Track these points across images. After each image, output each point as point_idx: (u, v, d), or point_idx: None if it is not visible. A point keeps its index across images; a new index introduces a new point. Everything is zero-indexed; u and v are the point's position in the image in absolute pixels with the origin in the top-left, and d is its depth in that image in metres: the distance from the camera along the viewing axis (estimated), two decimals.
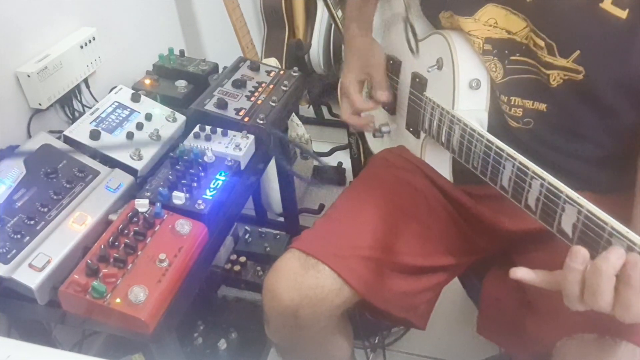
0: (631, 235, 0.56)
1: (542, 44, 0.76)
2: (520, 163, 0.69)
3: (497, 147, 0.73)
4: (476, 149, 0.78)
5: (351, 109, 0.99)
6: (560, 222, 0.64)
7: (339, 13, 1.70)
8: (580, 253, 0.58)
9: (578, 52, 0.74)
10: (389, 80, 1.00)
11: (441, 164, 0.93)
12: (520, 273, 0.63)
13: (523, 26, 0.78)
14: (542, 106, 0.81)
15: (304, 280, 0.85)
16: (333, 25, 2.15)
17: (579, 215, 0.61)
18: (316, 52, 2.20)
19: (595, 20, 0.70)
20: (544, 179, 0.65)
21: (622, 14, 0.68)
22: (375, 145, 1.17)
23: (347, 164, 1.96)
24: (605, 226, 0.58)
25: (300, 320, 0.87)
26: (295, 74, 1.36)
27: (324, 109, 2.24)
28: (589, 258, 0.58)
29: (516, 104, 0.82)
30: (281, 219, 1.73)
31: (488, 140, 0.75)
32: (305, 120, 2.06)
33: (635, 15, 0.68)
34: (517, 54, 0.80)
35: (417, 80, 0.93)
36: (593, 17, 0.70)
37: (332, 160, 2.11)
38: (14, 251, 0.84)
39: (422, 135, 0.95)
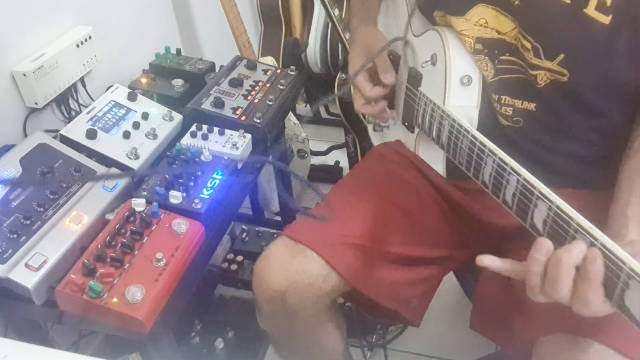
0: (594, 231, 0.57)
1: (528, 45, 0.77)
2: (500, 159, 0.70)
3: (481, 142, 0.74)
4: (462, 144, 0.79)
5: (362, 98, 0.99)
6: (533, 217, 0.65)
7: (336, 12, 1.70)
8: (544, 245, 0.60)
9: (562, 55, 0.75)
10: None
11: (435, 159, 0.94)
12: (487, 261, 0.65)
13: (512, 27, 0.79)
14: (531, 106, 0.82)
15: (291, 265, 0.87)
16: (330, 24, 2.15)
17: (549, 211, 0.62)
18: (313, 50, 2.20)
19: (579, 25, 0.71)
20: (520, 175, 0.67)
21: (605, 19, 0.70)
22: (376, 139, 1.18)
23: (345, 163, 1.97)
24: (571, 222, 0.59)
25: (288, 306, 0.88)
26: (292, 73, 1.36)
27: (321, 108, 2.24)
28: (553, 251, 0.59)
29: (506, 102, 0.83)
30: (278, 218, 1.74)
31: (473, 136, 0.76)
32: (303, 119, 2.06)
33: (618, 21, 0.69)
34: (507, 54, 0.81)
35: (413, 75, 0.94)
36: (577, 22, 0.71)
37: (329, 159, 2.11)
38: (10, 251, 0.84)
39: (416, 130, 0.96)
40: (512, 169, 0.68)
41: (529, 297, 0.63)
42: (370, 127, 1.20)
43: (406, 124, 1.00)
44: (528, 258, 0.61)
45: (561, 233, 0.61)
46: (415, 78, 0.93)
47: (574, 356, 0.70)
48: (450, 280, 1.07)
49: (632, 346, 0.68)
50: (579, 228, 0.58)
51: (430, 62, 0.88)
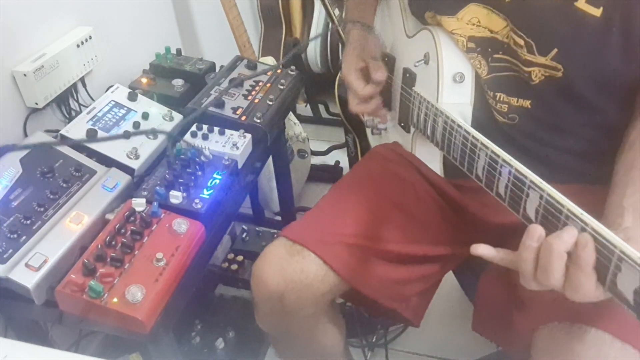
0: (585, 217, 0.57)
1: (521, 42, 0.77)
2: (492, 151, 0.71)
3: (473, 137, 0.75)
4: (456, 140, 0.80)
5: (356, 98, 0.99)
6: (525, 207, 0.66)
7: (336, 11, 1.70)
8: (536, 231, 0.60)
9: (555, 50, 0.75)
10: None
11: (432, 158, 0.95)
12: (481, 249, 0.65)
13: (504, 25, 0.79)
14: (527, 103, 0.82)
15: (289, 265, 0.87)
16: (330, 23, 2.15)
17: (541, 200, 0.63)
18: (313, 50, 2.20)
19: (570, 19, 0.71)
20: (511, 166, 0.67)
21: (597, 12, 0.70)
22: (375, 142, 1.19)
23: (345, 163, 1.97)
24: (562, 208, 0.60)
25: (286, 306, 0.88)
26: (292, 73, 1.36)
27: (321, 108, 2.24)
28: (545, 237, 0.60)
29: (502, 100, 0.84)
30: (278, 217, 1.74)
31: (465, 131, 0.77)
32: (303, 119, 2.06)
33: (609, 13, 0.69)
34: (500, 52, 0.82)
35: (407, 75, 0.95)
36: (568, 15, 0.71)
37: (329, 159, 2.11)
38: (10, 251, 0.84)
39: (412, 130, 0.96)
40: (503, 160, 0.69)
41: (527, 291, 0.63)
42: (368, 131, 1.20)
43: (402, 124, 1.00)
44: (520, 245, 0.61)
45: (553, 221, 0.61)
46: (409, 78, 0.94)
47: (571, 344, 0.70)
48: (450, 280, 1.07)
49: (628, 330, 0.68)
50: (569, 214, 0.59)
51: (423, 61, 0.89)
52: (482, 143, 0.73)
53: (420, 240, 0.95)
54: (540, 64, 0.77)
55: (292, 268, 0.87)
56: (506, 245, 0.66)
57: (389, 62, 1.02)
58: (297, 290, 0.87)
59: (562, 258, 0.58)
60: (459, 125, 0.78)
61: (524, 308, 0.82)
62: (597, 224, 0.57)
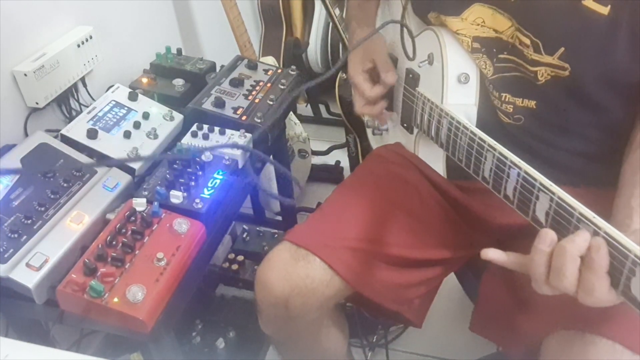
0: (597, 220, 0.57)
1: (527, 42, 0.77)
2: (500, 153, 0.70)
3: (480, 138, 0.74)
4: (461, 141, 0.79)
5: (362, 99, 0.99)
6: (535, 210, 0.65)
7: (337, 11, 1.70)
8: (548, 235, 0.60)
9: (562, 49, 0.74)
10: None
11: (435, 159, 0.94)
12: (491, 254, 0.65)
13: (508, 25, 0.79)
14: (532, 103, 0.82)
15: (294, 270, 0.86)
16: (331, 23, 2.15)
17: (551, 203, 0.62)
18: (314, 50, 2.20)
19: (577, 17, 0.71)
20: (520, 168, 0.67)
21: (604, 10, 0.69)
22: (375, 143, 1.18)
23: (345, 163, 1.97)
24: (574, 212, 0.59)
25: (291, 311, 0.88)
26: (292, 73, 1.36)
27: (322, 108, 2.24)
28: (557, 241, 0.60)
29: (507, 100, 0.83)
30: (279, 217, 1.73)
31: (472, 132, 0.76)
32: (303, 119, 2.06)
33: (617, 11, 0.69)
34: (505, 52, 0.81)
35: (411, 76, 0.94)
36: (575, 14, 0.71)
37: (330, 159, 2.11)
38: (11, 250, 0.84)
39: (415, 130, 0.96)
40: (512, 162, 0.68)
41: (534, 294, 0.63)
42: (369, 131, 1.20)
43: (405, 125, 1.00)
44: (532, 249, 0.61)
45: (564, 224, 0.61)
46: (413, 78, 0.93)
47: (584, 355, 0.70)
48: (451, 280, 1.07)
49: (636, 340, 0.68)
50: (581, 218, 0.58)
51: (427, 62, 0.88)
52: (489, 145, 0.72)
53: (424, 243, 0.94)
54: (547, 63, 0.76)
55: (297, 273, 0.86)
56: (511, 246, 0.66)
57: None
58: (302, 295, 0.86)
59: (576, 262, 0.57)
60: (464, 127, 0.78)
61: (528, 311, 0.81)
62: (610, 227, 0.56)
